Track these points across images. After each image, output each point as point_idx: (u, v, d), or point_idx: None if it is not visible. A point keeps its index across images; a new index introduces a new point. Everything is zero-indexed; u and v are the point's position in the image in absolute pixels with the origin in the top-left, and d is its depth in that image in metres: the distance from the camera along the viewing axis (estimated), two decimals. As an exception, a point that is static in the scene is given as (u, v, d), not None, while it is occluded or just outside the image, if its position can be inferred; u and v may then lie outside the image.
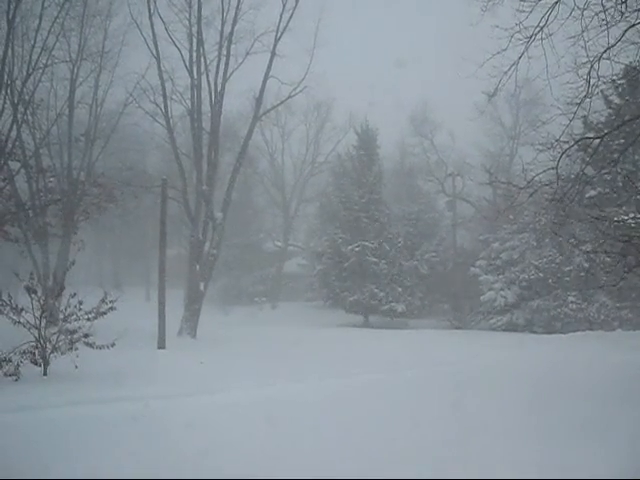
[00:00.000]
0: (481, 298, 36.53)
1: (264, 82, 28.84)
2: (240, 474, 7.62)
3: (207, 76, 27.96)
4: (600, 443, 8.44)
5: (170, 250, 28.28)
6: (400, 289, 39.60)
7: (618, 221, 15.51)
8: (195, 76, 27.70)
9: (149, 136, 38.02)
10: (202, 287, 26.91)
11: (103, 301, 15.68)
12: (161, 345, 21.96)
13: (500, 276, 36.56)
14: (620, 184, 27.74)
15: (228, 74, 28.03)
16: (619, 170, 23.28)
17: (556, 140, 14.53)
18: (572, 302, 33.28)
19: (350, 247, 39.30)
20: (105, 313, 15.60)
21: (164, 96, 27.74)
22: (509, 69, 14.17)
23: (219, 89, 27.96)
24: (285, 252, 55.71)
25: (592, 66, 13.32)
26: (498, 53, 14.08)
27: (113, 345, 15.49)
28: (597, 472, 7.26)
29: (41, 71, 25.70)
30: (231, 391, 14.25)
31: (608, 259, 17.11)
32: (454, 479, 4.51)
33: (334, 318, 39.73)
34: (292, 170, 58.41)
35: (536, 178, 15.19)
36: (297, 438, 9.28)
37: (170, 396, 13.20)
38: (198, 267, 26.83)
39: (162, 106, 27.94)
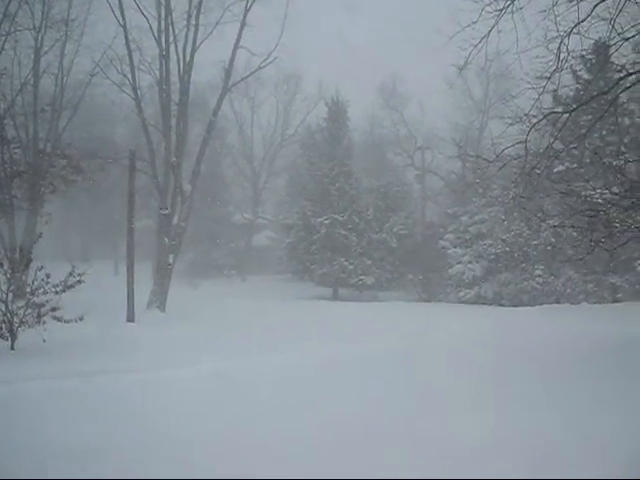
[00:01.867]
0: (449, 271, 36.78)
1: (233, 53, 28.58)
2: (207, 440, 7.78)
3: (176, 46, 27.62)
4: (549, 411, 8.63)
5: (138, 223, 28.02)
6: (369, 262, 39.69)
7: (585, 196, 15.69)
8: (163, 46, 27.30)
9: (117, 107, 37.47)
10: (171, 260, 26.76)
11: (71, 274, 15.54)
12: (130, 318, 21.83)
13: (468, 249, 36.79)
14: (587, 159, 27.95)
15: (197, 44, 27.71)
16: (587, 145, 23.43)
17: (525, 114, 14.62)
18: (539, 276, 33.63)
19: (319, 220, 39.26)
20: (73, 286, 15.48)
21: (132, 66, 27.33)
22: (479, 42, 14.16)
23: (188, 59, 27.62)
24: (254, 225, 55.55)
25: (562, 41, 13.37)
26: (468, 26, 14.08)
27: (81, 319, 15.39)
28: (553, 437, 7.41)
29: (4, 39, 25.19)
30: (200, 364, 14.28)
31: (575, 233, 17.32)
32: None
33: (303, 291, 39.79)
34: (261, 142, 58.05)
35: (505, 152, 15.29)
36: (261, 409, 9.38)
37: (139, 369, 13.18)
38: (167, 240, 26.65)
39: (130, 76, 27.56)
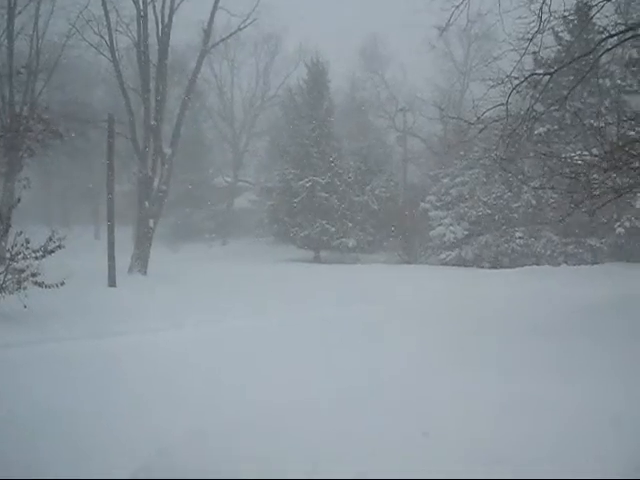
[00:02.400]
0: (430, 233, 36.88)
1: (212, 14, 28.24)
2: (190, 400, 7.91)
3: (154, 7, 27.14)
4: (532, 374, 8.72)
5: (119, 187, 27.83)
6: (351, 224, 39.71)
7: (565, 158, 15.72)
8: (141, 7, 26.85)
9: (94, 69, 37.07)
10: (152, 224, 26.66)
11: (51, 239, 15.43)
12: (112, 283, 21.77)
13: (449, 212, 36.90)
14: (568, 121, 28.00)
15: (175, 5, 27.28)
16: (568, 107, 23.44)
17: (507, 76, 14.57)
18: (519, 238, 33.82)
19: (300, 182, 39.14)
20: (53, 251, 15.36)
21: (109, 27, 26.88)
22: (461, 3, 14.10)
23: (166, 21, 27.21)
24: (235, 188, 55.30)
25: (544, 1, 13.31)
26: (450, -14, 14.00)
27: (63, 284, 15.30)
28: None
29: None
30: (183, 327, 14.37)
31: (555, 195, 17.40)
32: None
33: (285, 254, 39.83)
34: (241, 104, 57.57)
35: (486, 114, 15.25)
36: (247, 368, 9.45)
37: (123, 333, 13.22)
38: (147, 204, 26.53)
39: (107, 38, 27.15)
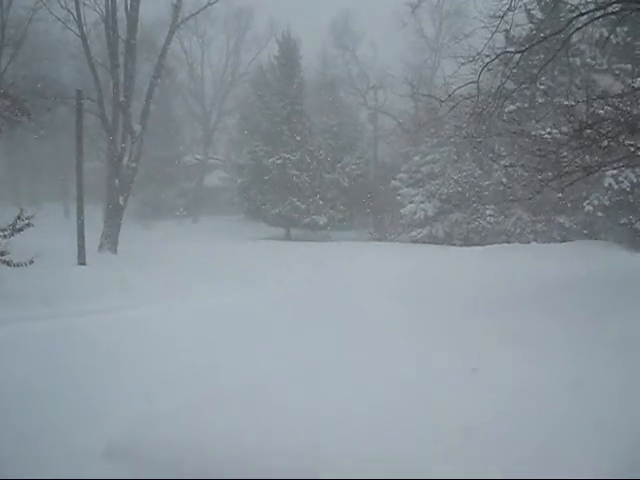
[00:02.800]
0: (401, 211, 37.02)
1: (182, -12, 27.87)
2: (158, 377, 7.93)
3: (121, -19, 26.75)
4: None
5: (88, 164, 27.51)
6: (321, 202, 39.74)
7: (536, 136, 15.80)
8: (109, -20, 26.46)
9: (62, 45, 36.45)
10: (122, 201, 26.42)
11: (19, 218, 15.24)
12: (81, 261, 21.56)
13: (420, 189, 37.03)
14: (539, 100, 28.15)
15: (144, -21, 26.90)
16: (538, 86, 23.59)
17: (478, 53, 14.56)
18: (490, 215, 34.07)
19: (271, 160, 39.05)
20: (21, 230, 15.19)
21: (76, 1, 26.40)
22: (433, -20, 14.05)
23: (135, -5, 26.84)
24: (205, 165, 55.01)
25: (516, -22, 13.32)
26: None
27: (31, 262, 15.15)
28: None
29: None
30: (153, 305, 14.31)
31: (525, 173, 17.47)
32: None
33: (256, 231, 39.80)
34: (212, 81, 57.21)
35: (457, 91, 15.28)
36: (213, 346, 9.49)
37: (92, 312, 13.12)
38: (117, 181, 26.27)
39: (74, 12, 26.66)
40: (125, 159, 26.78)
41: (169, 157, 50.05)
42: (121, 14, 26.90)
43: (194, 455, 5.62)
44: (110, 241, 25.91)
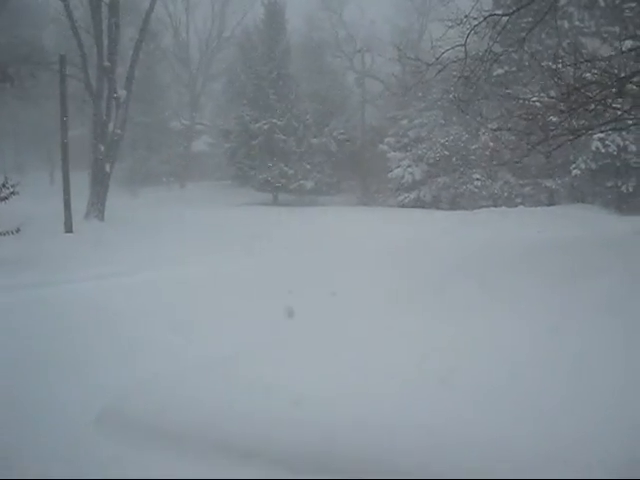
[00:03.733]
0: (389, 175, 37.03)
1: (166, -49, 27.46)
2: (144, 344, 7.93)
3: (104, -57, 26.29)
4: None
5: (73, 131, 27.20)
6: (309, 166, 39.64)
7: (523, 100, 15.76)
8: (91, -57, 26.01)
9: (43, 9, 35.89)
10: (107, 168, 26.25)
11: (4, 186, 15.16)
12: (68, 229, 21.50)
13: (408, 153, 37.01)
14: (526, 63, 27.97)
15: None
16: (526, 49, 23.39)
17: (465, 16, 14.43)
18: (477, 179, 34.12)
19: (258, 125, 38.85)
20: (6, 198, 15.14)
21: (58, -35, 26.06)
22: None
23: (118, -42, 26.42)
24: (192, 131, 54.64)
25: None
26: None
27: (18, 231, 15.12)
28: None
29: None
30: (144, 272, 14.30)
31: (512, 137, 17.45)
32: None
33: (243, 197, 39.68)
34: (197, 45, 56.57)
35: (445, 55, 15.17)
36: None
37: (78, 280, 13.11)
38: (102, 148, 26.06)
39: (56, -24, 26.31)
40: (110, 125, 26.53)
41: (155, 123, 49.61)
42: (104, -23, 26.50)
43: (180, 418, 5.67)
44: (97, 208, 25.80)
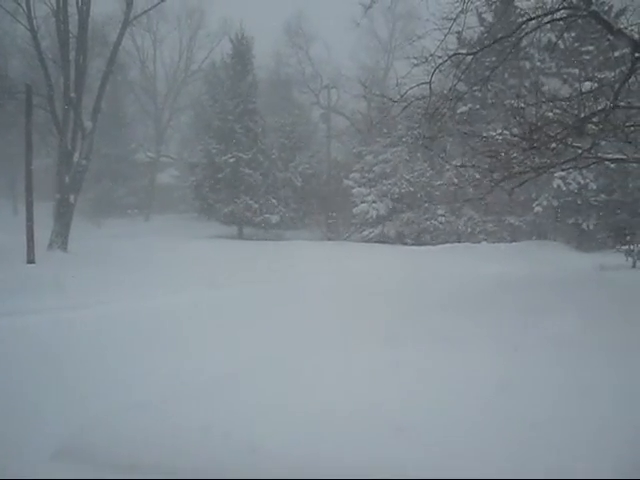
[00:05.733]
0: (354, 210, 37.24)
1: (134, -16, 27.61)
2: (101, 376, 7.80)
3: (73, -25, 26.36)
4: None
5: (37, 161, 27.08)
6: (274, 200, 39.73)
7: (487, 137, 16.06)
8: (60, -26, 26.05)
9: (10, 38, 35.77)
10: (72, 199, 26.06)
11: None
12: (30, 259, 21.22)
13: (373, 189, 37.28)
14: (490, 101, 28.53)
15: (96, -26, 26.54)
16: (489, 87, 23.90)
17: (430, 55, 14.73)
18: (441, 215, 34.48)
19: (224, 158, 38.91)
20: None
21: (26, -6, 26.00)
22: (387, -19, 14.23)
23: (87, -10, 26.48)
24: (157, 163, 54.57)
25: (468, -18, 13.55)
26: (376, -35, 14.12)
27: (-21, 260, 14.93)
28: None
29: None
30: (104, 304, 14.17)
31: (476, 174, 17.74)
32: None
33: (208, 230, 39.56)
34: (164, 78, 56.75)
35: (410, 92, 15.43)
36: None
37: (40, 310, 12.95)
38: (67, 179, 25.90)
39: (24, 5, 26.20)
40: (76, 156, 26.39)
41: (121, 154, 49.51)
42: (72, 9, 26.53)
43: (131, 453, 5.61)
44: (60, 239, 25.54)
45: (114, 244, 27.95)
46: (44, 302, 13.94)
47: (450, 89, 15.10)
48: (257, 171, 39.46)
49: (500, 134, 15.95)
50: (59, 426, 6.32)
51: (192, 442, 5.58)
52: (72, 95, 26.06)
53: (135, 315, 12.73)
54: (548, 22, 14.18)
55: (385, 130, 35.61)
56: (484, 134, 16.74)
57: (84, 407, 6.90)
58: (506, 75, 29.37)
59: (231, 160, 38.70)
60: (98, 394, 7.37)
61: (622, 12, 16.62)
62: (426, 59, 14.76)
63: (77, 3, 26.38)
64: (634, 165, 21.34)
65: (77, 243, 25.57)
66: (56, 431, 6.14)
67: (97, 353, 9.37)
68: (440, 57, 14.81)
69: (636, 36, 12.57)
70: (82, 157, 26.51)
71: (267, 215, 39.18)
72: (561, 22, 14.59)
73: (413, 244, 33.89)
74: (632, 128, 13.88)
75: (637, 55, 12.85)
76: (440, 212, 34.50)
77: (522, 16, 15.04)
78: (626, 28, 12.88)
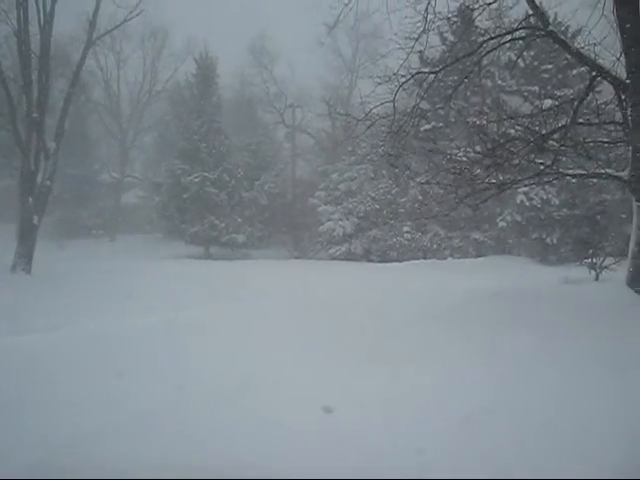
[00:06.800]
0: (320, 228, 37.34)
1: (98, 4, 27.44)
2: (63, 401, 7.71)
3: (35, -6, 26.22)
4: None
5: (0, 182, 26.80)
6: (240, 220, 39.73)
7: (450, 154, 16.25)
8: (21, -7, 25.88)
9: (-30, 58, 35.42)
10: (36, 221, 25.78)
11: None
12: (-7, 282, 21.01)
13: (338, 207, 37.44)
14: (453, 119, 28.91)
15: (58, -7, 26.41)
16: (452, 105, 24.19)
17: (394, 74, 14.93)
18: (407, 232, 34.68)
19: (189, 178, 38.85)
20: None
21: (-15, 14, 25.84)
22: (350, 1, 14.42)
23: (48, 9, 26.25)
24: (122, 183, 54.24)
25: (429, 2, 13.81)
26: (339, -15, 14.32)
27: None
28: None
29: None
30: (69, 327, 13.98)
31: (441, 191, 17.91)
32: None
33: (174, 250, 39.36)
34: (128, 98, 56.46)
35: (374, 111, 15.59)
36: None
37: (3, 334, 12.76)
38: (31, 200, 25.65)
39: (-17, 25, 26.08)
40: (39, 177, 26.17)
41: (85, 175, 49.07)
42: (34, 29, 26.36)
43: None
44: (24, 261, 25.22)
45: (79, 266, 27.67)
46: (4, 325, 13.74)
47: (413, 107, 15.29)
48: (223, 191, 39.45)
49: (463, 151, 16.16)
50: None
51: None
52: (35, 115, 25.86)
53: (90, 340, 12.51)
54: (508, 41, 14.46)
55: (350, 148, 35.84)
56: (448, 151, 16.92)
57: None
58: (468, 93, 29.81)
59: (196, 180, 38.65)
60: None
61: (578, 32, 16.99)
62: (389, 78, 14.96)
63: (39, 23, 26.22)
64: (594, 180, 21.73)
65: (42, 265, 25.28)
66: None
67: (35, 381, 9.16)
68: (403, 76, 15.03)
69: (592, 55, 12.87)
70: (46, 178, 26.28)
71: (233, 235, 39.15)
72: (520, 41, 14.92)
73: (379, 261, 34.03)
74: (591, 144, 14.19)
75: (594, 74, 13.17)
76: (406, 229, 34.70)
77: (482, 35, 15.37)
78: (582, 48, 13.19)
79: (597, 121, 13.93)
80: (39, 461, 5.89)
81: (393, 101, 14.95)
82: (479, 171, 13.92)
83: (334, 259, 35.98)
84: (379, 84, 15.22)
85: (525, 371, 8.25)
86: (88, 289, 20.19)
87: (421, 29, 14.14)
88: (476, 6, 13.99)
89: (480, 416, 6.55)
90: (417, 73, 15.41)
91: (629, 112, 12.67)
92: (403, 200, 34.71)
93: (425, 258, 32.46)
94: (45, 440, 6.44)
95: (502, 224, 32.33)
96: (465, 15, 16.08)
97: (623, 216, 24.91)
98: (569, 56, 15.30)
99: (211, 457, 5.70)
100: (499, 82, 33.25)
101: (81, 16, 31.42)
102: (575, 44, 13.51)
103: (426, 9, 13.86)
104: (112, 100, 55.96)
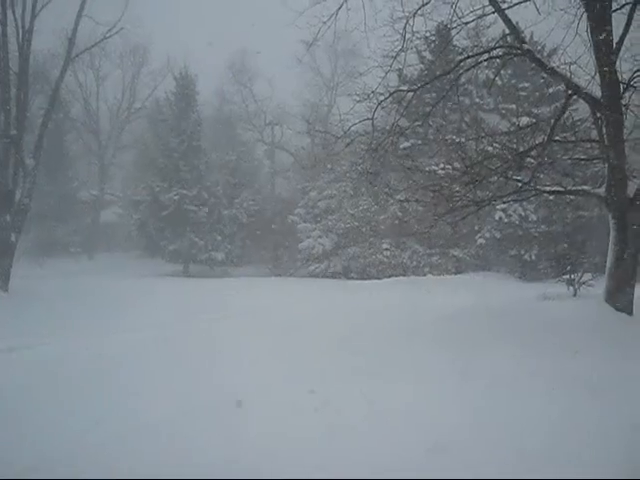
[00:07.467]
0: (299, 246, 37.38)
1: (77, 21, 27.39)
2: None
3: (13, 12, 25.98)
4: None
5: (-24, 200, 26.54)
6: (220, 237, 39.73)
7: (429, 172, 16.35)
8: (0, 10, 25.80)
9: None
10: (13, 238, 25.60)
11: None
12: (-31, 300, 20.81)
13: (318, 224, 37.54)
14: (431, 137, 29.10)
15: (37, 10, 26.28)
16: (430, 123, 24.39)
17: (372, 92, 15.00)
18: (386, 249, 34.78)
19: (169, 195, 38.78)
20: None
21: (-37, 31, 25.66)
22: (329, 19, 14.51)
23: (27, 26, 26.19)
24: (101, 201, 53.97)
25: (407, 21, 13.94)
26: (318, 3, 14.42)
27: None
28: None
29: None
30: (46, 345, 13.86)
31: (420, 208, 18.00)
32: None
33: (153, 268, 39.24)
34: (108, 116, 56.28)
35: (353, 128, 15.67)
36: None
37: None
38: (8, 217, 25.47)
39: (-38, 42, 25.88)
40: (17, 194, 26.00)
41: (63, 193, 48.71)
42: (13, 46, 26.22)
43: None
44: (1, 279, 25.01)
45: (56, 284, 27.48)
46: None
47: (392, 125, 15.37)
48: (202, 208, 39.41)
49: (442, 168, 16.28)
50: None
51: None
52: (13, 132, 25.71)
53: (63, 359, 12.37)
54: (485, 60, 14.59)
55: (329, 166, 35.96)
56: (427, 169, 17.09)
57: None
58: (446, 111, 29.99)
59: (175, 197, 38.60)
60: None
61: (554, 51, 17.16)
62: (368, 96, 15.03)
63: (17, 39, 26.12)
64: (572, 197, 21.92)
65: (19, 283, 25.08)
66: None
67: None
68: (382, 94, 15.11)
69: (568, 74, 13.03)
70: (24, 195, 26.11)
71: (212, 252, 39.09)
72: (498, 60, 15.03)
73: (359, 278, 34.07)
74: (569, 161, 14.33)
75: (570, 92, 13.32)
76: (385, 246, 34.81)
77: (460, 54, 15.47)
78: (558, 66, 13.35)
79: (574, 139, 14.09)
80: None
81: (372, 119, 15.03)
82: (458, 188, 14.00)
83: (314, 276, 35.99)
84: (358, 102, 15.29)
85: (504, 392, 8.29)
86: (65, 307, 20.08)
87: (399, 47, 14.24)
88: (454, 25, 14.11)
89: (451, 444, 6.52)
90: (395, 91, 15.49)
91: (604, 130, 12.84)
92: (382, 217, 34.85)
93: (404, 275, 32.52)
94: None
95: (481, 241, 32.54)
96: (443, 34, 16.21)
97: (600, 232, 25.14)
98: (545, 74, 15.43)
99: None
100: (477, 100, 33.59)
101: (60, 33, 31.42)
102: (551, 63, 13.65)
103: (404, 28, 13.99)
104: (91, 117, 55.75)
